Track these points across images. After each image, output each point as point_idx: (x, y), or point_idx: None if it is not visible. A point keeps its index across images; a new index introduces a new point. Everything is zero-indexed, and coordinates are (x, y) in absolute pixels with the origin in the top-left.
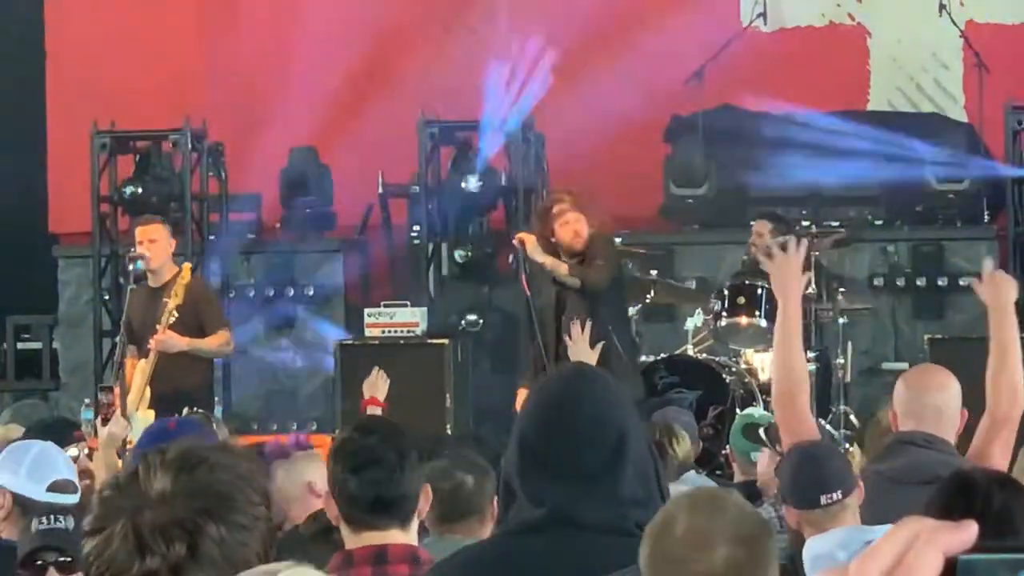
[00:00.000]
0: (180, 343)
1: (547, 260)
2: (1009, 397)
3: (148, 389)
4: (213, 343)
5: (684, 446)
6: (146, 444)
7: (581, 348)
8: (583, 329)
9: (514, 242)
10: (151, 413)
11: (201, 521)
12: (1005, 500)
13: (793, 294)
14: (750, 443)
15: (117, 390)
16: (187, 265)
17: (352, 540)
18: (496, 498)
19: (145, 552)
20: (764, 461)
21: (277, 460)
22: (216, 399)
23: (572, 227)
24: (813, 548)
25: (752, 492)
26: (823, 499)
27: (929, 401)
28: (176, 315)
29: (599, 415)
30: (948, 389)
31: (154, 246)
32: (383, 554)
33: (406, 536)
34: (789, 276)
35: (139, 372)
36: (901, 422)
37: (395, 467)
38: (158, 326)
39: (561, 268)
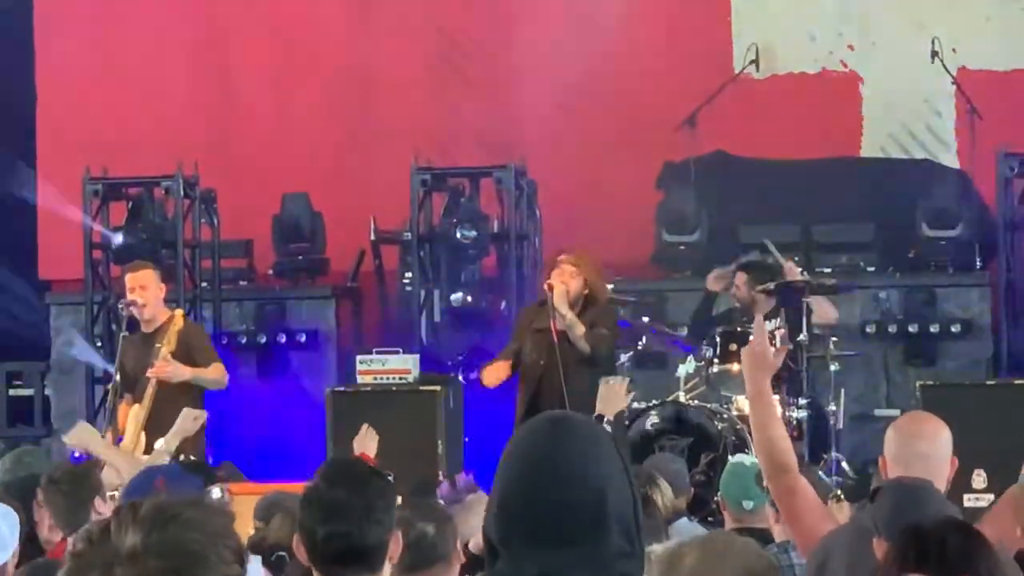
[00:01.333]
0: (183, 372)
1: (569, 315)
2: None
3: (143, 435)
4: (211, 374)
5: (667, 495)
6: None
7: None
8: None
9: (544, 287)
10: (145, 459)
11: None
12: (959, 546)
13: (763, 382)
14: (741, 490)
15: (109, 437)
16: (179, 311)
17: None
18: (459, 540)
19: None
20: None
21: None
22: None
23: (562, 278)
24: None
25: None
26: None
27: (918, 449)
28: (169, 359)
29: (579, 469)
30: (938, 437)
31: (145, 292)
32: None
33: None
34: (757, 368)
35: (132, 418)
36: (891, 469)
37: (361, 518)
38: (153, 364)
39: (579, 328)
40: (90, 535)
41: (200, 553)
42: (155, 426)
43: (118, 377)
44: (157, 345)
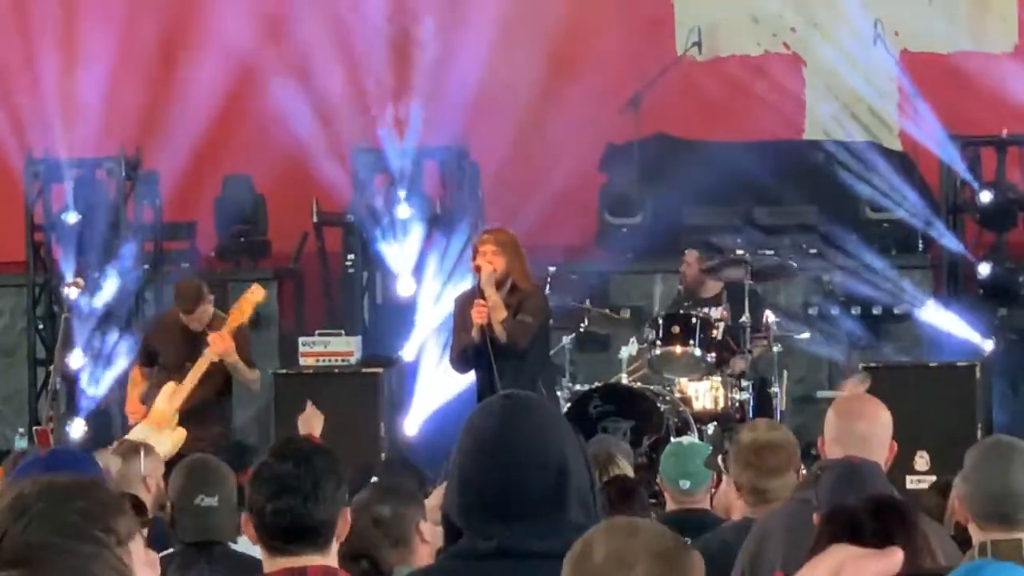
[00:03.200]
0: (236, 357)
1: (493, 297)
2: None
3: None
4: (251, 374)
5: (628, 473)
6: (20, 475)
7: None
8: None
9: (472, 267)
10: (180, 432)
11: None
12: (887, 524)
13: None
14: (678, 470)
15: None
16: (258, 287)
17: (268, 564)
18: (420, 522)
19: None
20: (723, 488)
21: None
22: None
23: (486, 258)
24: None
25: (692, 522)
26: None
27: (856, 429)
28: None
29: (538, 444)
30: (877, 418)
31: (203, 320)
32: (302, 574)
33: (324, 559)
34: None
35: (168, 395)
36: (829, 449)
37: (309, 495)
38: (208, 340)
39: (500, 313)
40: None
41: (41, 547)
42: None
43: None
44: (207, 342)
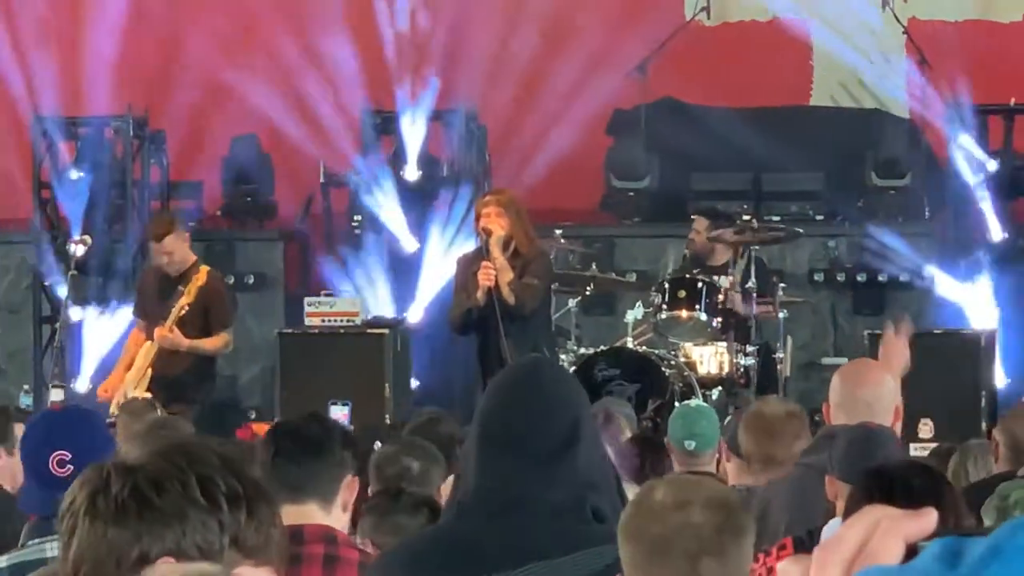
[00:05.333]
0: (182, 343)
1: (500, 259)
2: None
3: (149, 371)
4: (211, 344)
5: (627, 434)
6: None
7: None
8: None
9: (478, 230)
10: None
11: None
12: (924, 486)
13: (896, 369)
14: (684, 430)
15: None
16: (205, 268)
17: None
18: (443, 485)
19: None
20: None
21: None
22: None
23: (489, 220)
24: (835, 525)
25: None
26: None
27: (861, 395)
28: (184, 310)
29: (554, 397)
30: (881, 384)
31: (172, 257)
32: (299, 534)
33: (326, 518)
34: (894, 356)
35: (144, 353)
36: (833, 415)
37: (320, 445)
38: (179, 306)
39: (507, 275)
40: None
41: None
42: (158, 366)
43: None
44: (180, 288)
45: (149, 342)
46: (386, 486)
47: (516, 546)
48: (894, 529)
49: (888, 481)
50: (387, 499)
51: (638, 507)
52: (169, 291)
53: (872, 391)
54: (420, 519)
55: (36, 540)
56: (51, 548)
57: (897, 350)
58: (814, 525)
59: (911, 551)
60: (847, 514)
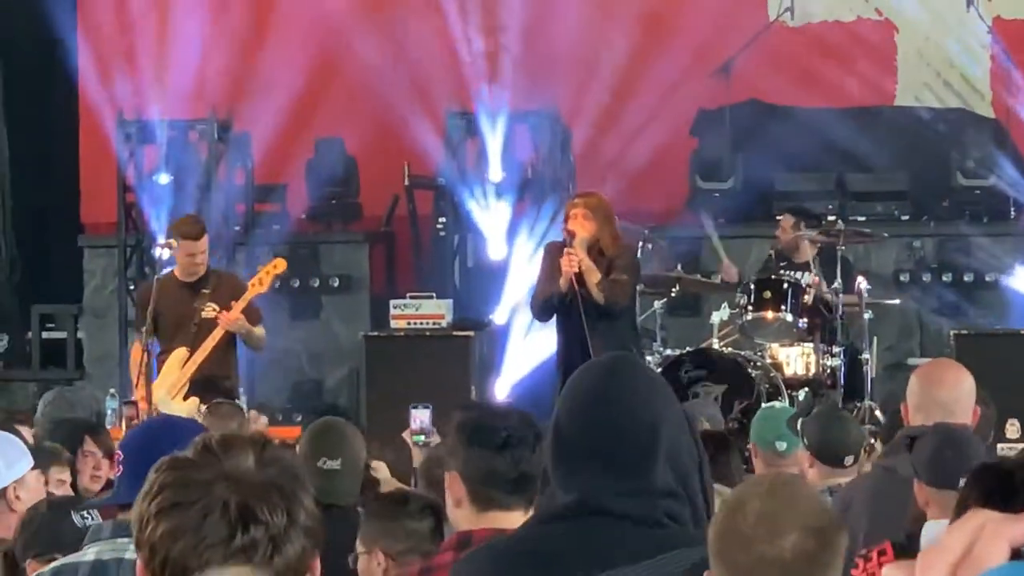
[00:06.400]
0: (247, 325)
1: (586, 261)
2: None
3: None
4: (261, 332)
5: None
6: (149, 435)
7: None
8: None
9: (563, 232)
10: (192, 401)
11: (293, 489)
12: None
13: None
14: (774, 432)
15: (142, 401)
16: (282, 260)
17: (473, 520)
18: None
19: (249, 522)
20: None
21: None
22: (242, 389)
23: (576, 223)
24: (933, 529)
25: None
26: (962, 483)
27: (939, 396)
28: (216, 309)
29: (633, 405)
30: (959, 385)
31: (204, 256)
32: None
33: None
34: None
35: (178, 362)
36: (912, 417)
37: (533, 446)
38: (211, 308)
39: (594, 276)
40: (185, 458)
41: (300, 470)
42: (203, 369)
43: (150, 320)
44: (204, 291)
45: (182, 349)
46: (432, 488)
47: (597, 554)
48: (999, 533)
49: (1005, 480)
50: (394, 503)
51: (727, 525)
52: (190, 299)
53: (950, 392)
54: (427, 523)
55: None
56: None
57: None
58: (894, 528)
59: (1015, 555)
60: (957, 512)
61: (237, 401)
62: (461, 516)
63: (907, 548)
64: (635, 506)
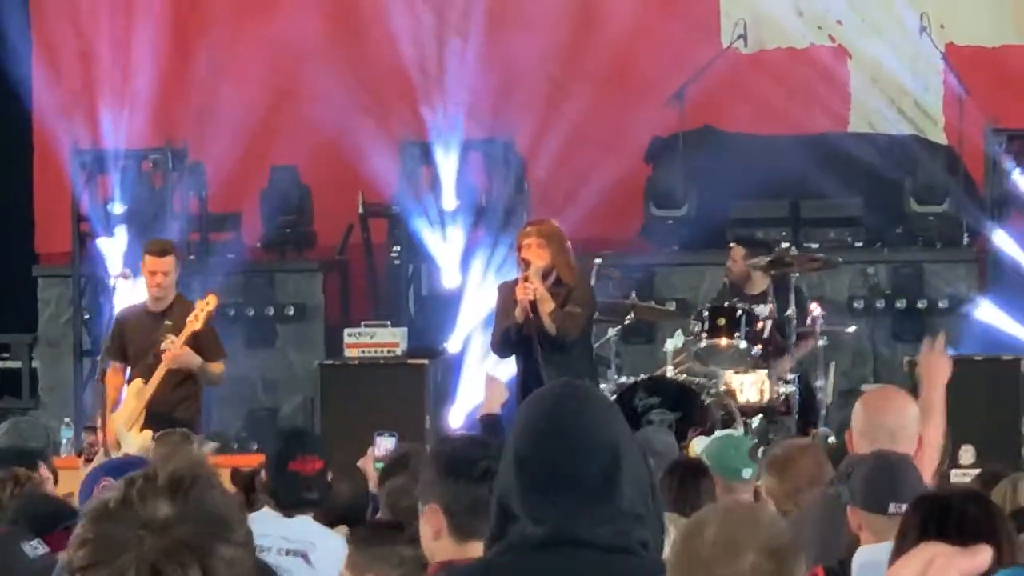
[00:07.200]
0: (195, 361)
1: (541, 290)
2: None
3: (143, 412)
4: (218, 369)
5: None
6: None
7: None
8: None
9: (518, 261)
10: (146, 433)
11: (209, 543)
12: (977, 516)
13: (939, 385)
14: (739, 460)
15: (99, 431)
16: (213, 297)
17: (452, 551)
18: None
19: None
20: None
21: None
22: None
23: (530, 251)
24: (864, 555)
25: None
26: (892, 507)
27: (884, 423)
28: (173, 340)
29: (593, 428)
30: (904, 412)
31: (166, 279)
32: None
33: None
34: (936, 372)
35: (136, 393)
36: (857, 443)
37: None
38: (169, 340)
39: (548, 305)
40: (107, 508)
41: (226, 514)
42: (156, 403)
43: (109, 343)
44: (167, 322)
45: (139, 380)
46: (399, 518)
47: None
48: (949, 567)
49: (943, 509)
50: (389, 529)
51: (686, 550)
52: (155, 328)
53: (895, 419)
54: (420, 550)
55: None
56: None
57: (938, 365)
58: (841, 555)
59: None
60: (900, 540)
61: (194, 432)
62: (438, 548)
63: (839, 574)
64: (608, 534)
